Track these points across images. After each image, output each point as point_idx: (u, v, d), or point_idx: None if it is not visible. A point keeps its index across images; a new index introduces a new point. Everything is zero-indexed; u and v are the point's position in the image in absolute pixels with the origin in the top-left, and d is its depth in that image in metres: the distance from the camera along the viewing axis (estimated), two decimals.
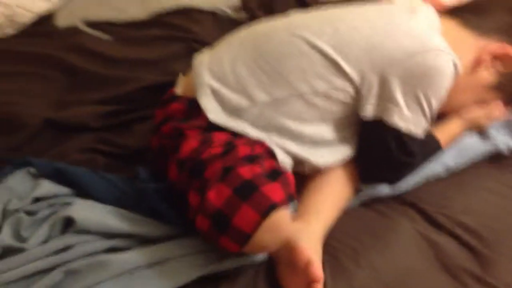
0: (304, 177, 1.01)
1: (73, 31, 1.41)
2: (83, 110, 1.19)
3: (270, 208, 0.82)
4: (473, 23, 1.04)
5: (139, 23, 1.41)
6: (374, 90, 0.96)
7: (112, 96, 1.22)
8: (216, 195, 0.84)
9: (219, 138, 0.93)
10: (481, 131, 1.06)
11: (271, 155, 0.94)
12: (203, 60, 1.03)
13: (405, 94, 0.95)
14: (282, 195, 0.85)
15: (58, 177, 0.99)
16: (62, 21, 1.45)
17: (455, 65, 0.97)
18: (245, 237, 0.82)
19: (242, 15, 1.44)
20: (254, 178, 0.85)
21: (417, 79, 0.95)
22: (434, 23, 1.01)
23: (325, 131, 1.00)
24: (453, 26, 1.04)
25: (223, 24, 1.38)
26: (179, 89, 1.04)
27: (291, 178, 0.90)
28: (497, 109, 1.07)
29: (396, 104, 0.95)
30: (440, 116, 1.06)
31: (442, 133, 1.04)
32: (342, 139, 1.01)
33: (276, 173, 0.88)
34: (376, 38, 0.97)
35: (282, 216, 0.84)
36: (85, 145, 1.13)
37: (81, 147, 1.12)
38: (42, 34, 1.42)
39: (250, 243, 0.82)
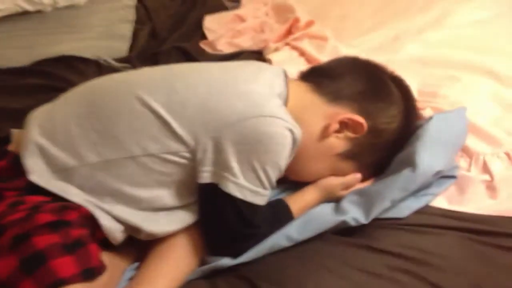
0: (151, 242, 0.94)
1: None
2: None
3: (54, 283, 0.76)
4: (326, 88, 0.99)
5: (20, 71, 1.36)
6: (209, 155, 0.89)
7: None
8: (3, 266, 0.78)
9: (30, 201, 0.87)
10: (337, 201, 0.99)
11: (88, 222, 0.88)
12: (36, 115, 0.98)
13: (239, 161, 0.88)
14: (74, 270, 0.79)
15: None
16: None
17: (293, 133, 0.91)
18: None
19: (127, 65, 1.39)
20: (46, 249, 0.79)
21: (250, 146, 0.88)
22: (277, 87, 0.96)
23: (164, 196, 0.93)
24: (304, 91, 0.99)
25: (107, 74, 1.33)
26: (12, 145, 0.98)
27: (94, 251, 0.84)
28: (354, 179, 1.00)
29: (231, 171, 0.88)
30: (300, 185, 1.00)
31: (294, 202, 0.98)
32: (184, 205, 0.94)
33: (77, 245, 0.82)
34: (211, 99, 0.91)
35: None
36: None
37: None
38: None
39: None
